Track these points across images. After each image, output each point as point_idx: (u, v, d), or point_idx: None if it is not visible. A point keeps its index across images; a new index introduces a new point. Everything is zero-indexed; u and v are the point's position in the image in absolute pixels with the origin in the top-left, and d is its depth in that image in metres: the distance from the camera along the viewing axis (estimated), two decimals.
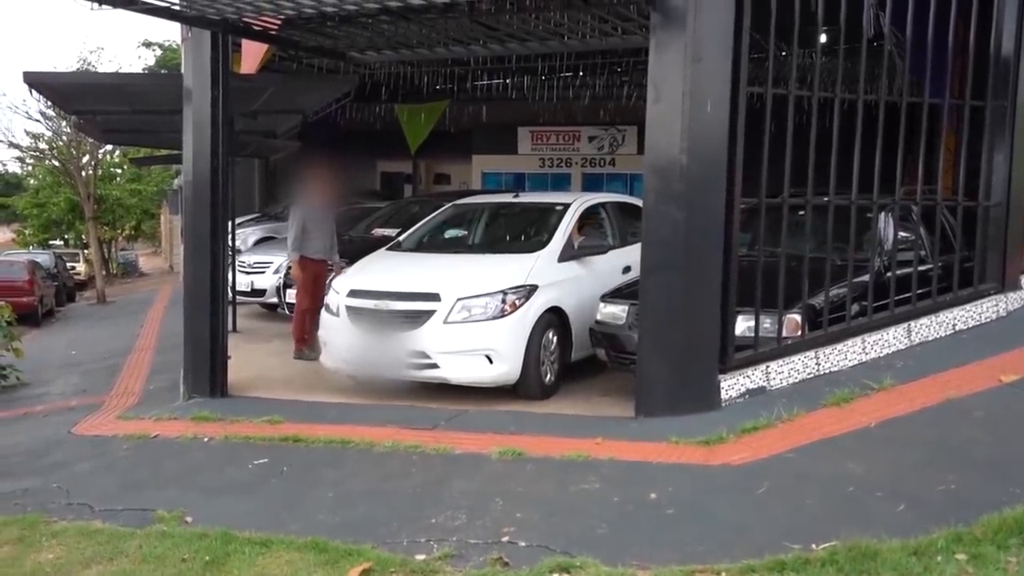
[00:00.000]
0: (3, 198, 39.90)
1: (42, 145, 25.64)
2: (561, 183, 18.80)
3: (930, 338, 6.57)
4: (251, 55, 9.73)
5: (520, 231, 8.29)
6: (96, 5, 5.84)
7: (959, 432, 5.02)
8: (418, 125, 17.73)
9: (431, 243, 8.07)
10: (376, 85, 14.16)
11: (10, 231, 46.69)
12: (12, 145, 25.46)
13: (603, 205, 8.16)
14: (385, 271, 7.40)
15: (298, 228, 8.32)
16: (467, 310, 6.51)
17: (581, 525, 4.23)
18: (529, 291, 6.65)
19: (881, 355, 6.32)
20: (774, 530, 3.99)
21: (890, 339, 6.40)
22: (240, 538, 4.31)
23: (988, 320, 6.86)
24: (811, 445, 4.99)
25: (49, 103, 18.09)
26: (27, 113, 24.21)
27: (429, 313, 6.55)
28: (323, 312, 7.35)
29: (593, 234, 7.70)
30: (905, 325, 6.48)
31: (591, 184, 18.16)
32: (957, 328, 6.69)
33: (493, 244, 8.08)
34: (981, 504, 3.97)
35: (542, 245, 7.23)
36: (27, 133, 26.28)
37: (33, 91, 11.14)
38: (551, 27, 7.60)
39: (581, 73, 15.16)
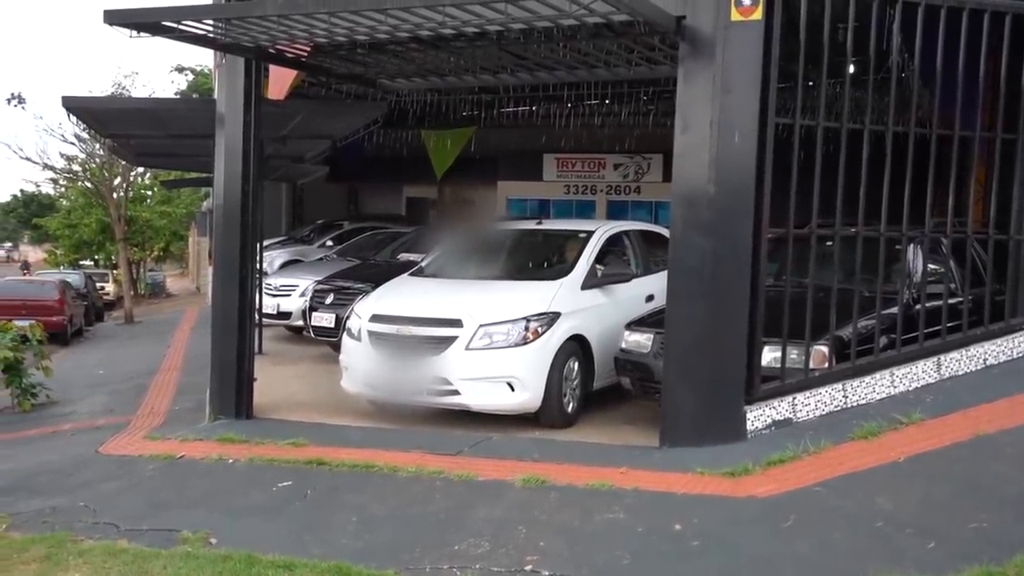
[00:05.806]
0: (36, 219, 40.71)
1: (75, 167, 26.09)
2: (586, 210, 18.86)
3: (960, 372, 6.47)
4: (279, 81, 9.85)
5: (543, 258, 8.31)
6: (135, 33, 5.97)
7: (990, 469, 4.93)
8: (444, 151, 17.91)
9: (454, 269, 8.09)
10: (403, 111, 14.32)
11: (42, 251, 47.58)
12: (47, 167, 25.92)
13: (627, 233, 8.15)
14: (407, 296, 7.43)
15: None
16: (489, 337, 6.52)
17: (605, 555, 4.20)
18: (552, 319, 6.65)
19: (910, 389, 6.24)
20: (800, 565, 3.94)
21: (919, 373, 6.32)
22: (264, 561, 4.32)
23: (1020, 355, 6.74)
24: (838, 479, 4.93)
25: (84, 126, 18.50)
26: (62, 136, 24.62)
27: (451, 339, 6.56)
28: (344, 336, 7.38)
29: (616, 262, 7.67)
30: (935, 359, 6.40)
31: (616, 212, 18.21)
32: (988, 363, 6.59)
33: (516, 271, 8.07)
34: (1013, 543, 3.89)
35: (565, 272, 7.24)
36: (61, 155, 26.73)
37: (71, 115, 11.40)
38: (579, 56, 7.66)
39: (607, 101, 15.25)
